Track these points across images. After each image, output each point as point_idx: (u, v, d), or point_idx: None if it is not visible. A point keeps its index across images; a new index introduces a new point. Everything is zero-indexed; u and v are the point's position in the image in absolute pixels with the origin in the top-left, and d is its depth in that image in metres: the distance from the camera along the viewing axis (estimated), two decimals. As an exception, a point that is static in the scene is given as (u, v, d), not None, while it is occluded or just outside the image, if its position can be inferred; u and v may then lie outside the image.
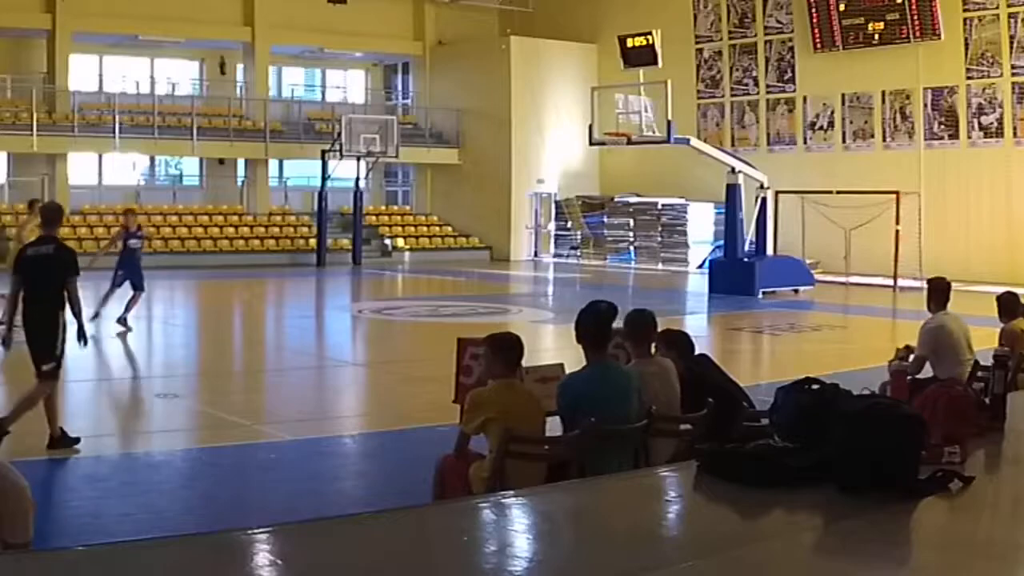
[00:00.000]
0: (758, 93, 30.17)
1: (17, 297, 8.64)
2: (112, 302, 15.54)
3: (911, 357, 8.35)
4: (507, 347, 5.73)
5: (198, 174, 33.90)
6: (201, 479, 7.97)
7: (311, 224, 31.47)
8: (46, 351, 8.54)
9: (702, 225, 29.72)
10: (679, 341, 6.62)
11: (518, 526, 3.66)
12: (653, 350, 6.31)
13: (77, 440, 8.53)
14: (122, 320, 15.36)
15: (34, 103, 27.91)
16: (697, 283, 25.15)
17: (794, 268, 23.17)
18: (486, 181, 32.27)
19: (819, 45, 28.15)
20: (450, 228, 34.12)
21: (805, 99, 29.17)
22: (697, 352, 6.89)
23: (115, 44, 31.74)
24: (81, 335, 8.93)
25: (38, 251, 8.69)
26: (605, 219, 32.04)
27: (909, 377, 7.99)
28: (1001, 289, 9.10)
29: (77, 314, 8.63)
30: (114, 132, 28.85)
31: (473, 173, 33.33)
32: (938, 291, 8.45)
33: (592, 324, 5.71)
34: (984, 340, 8.91)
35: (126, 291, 15.55)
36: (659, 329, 6.42)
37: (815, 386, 4.20)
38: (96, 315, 14.87)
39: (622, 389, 5.58)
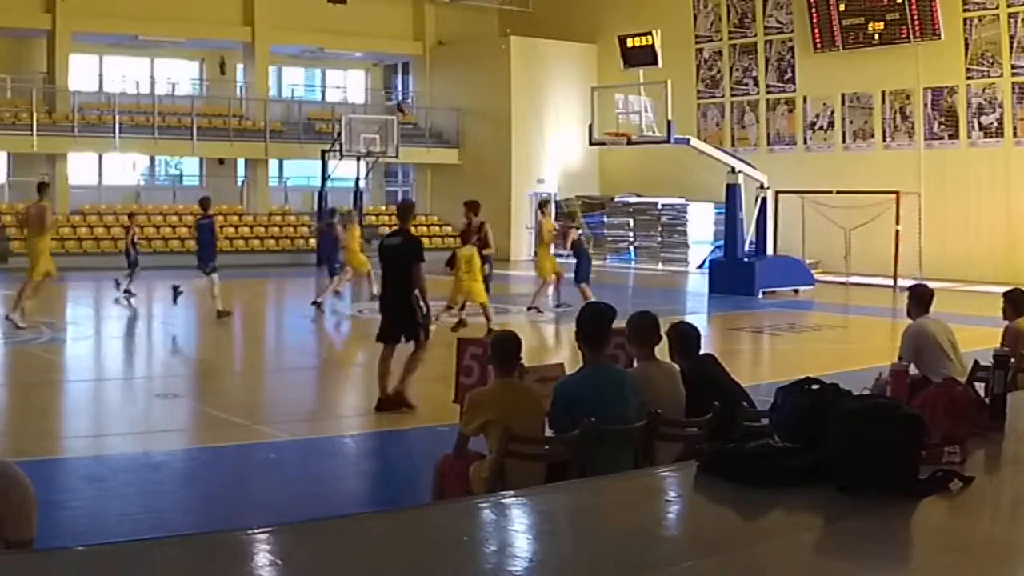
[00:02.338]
0: (758, 93, 30.17)
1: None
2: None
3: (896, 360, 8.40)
4: (507, 346, 5.74)
5: (198, 174, 33.90)
6: (201, 479, 7.97)
7: (311, 224, 31.45)
8: (412, 327, 9.87)
9: (702, 225, 29.72)
10: (686, 339, 6.58)
11: (518, 526, 3.66)
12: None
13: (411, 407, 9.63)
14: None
15: (34, 103, 27.92)
16: (697, 283, 25.15)
17: (794, 268, 23.17)
18: (486, 181, 32.25)
19: (819, 45, 28.15)
20: (450, 228, 34.09)
21: (805, 99, 29.17)
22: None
23: (115, 44, 31.75)
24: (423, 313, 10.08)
25: (391, 242, 10.22)
26: (605, 219, 32.04)
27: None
28: (1002, 288, 9.11)
29: (422, 294, 9.86)
30: (114, 132, 28.85)
31: (473, 173, 33.33)
32: (919, 298, 8.54)
33: (591, 325, 5.72)
34: (983, 340, 8.92)
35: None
36: (662, 329, 6.41)
37: (815, 386, 4.20)
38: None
39: (617, 390, 5.58)
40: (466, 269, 15.30)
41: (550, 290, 18.91)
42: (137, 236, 20.89)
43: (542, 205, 20.17)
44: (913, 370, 7.87)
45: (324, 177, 30.81)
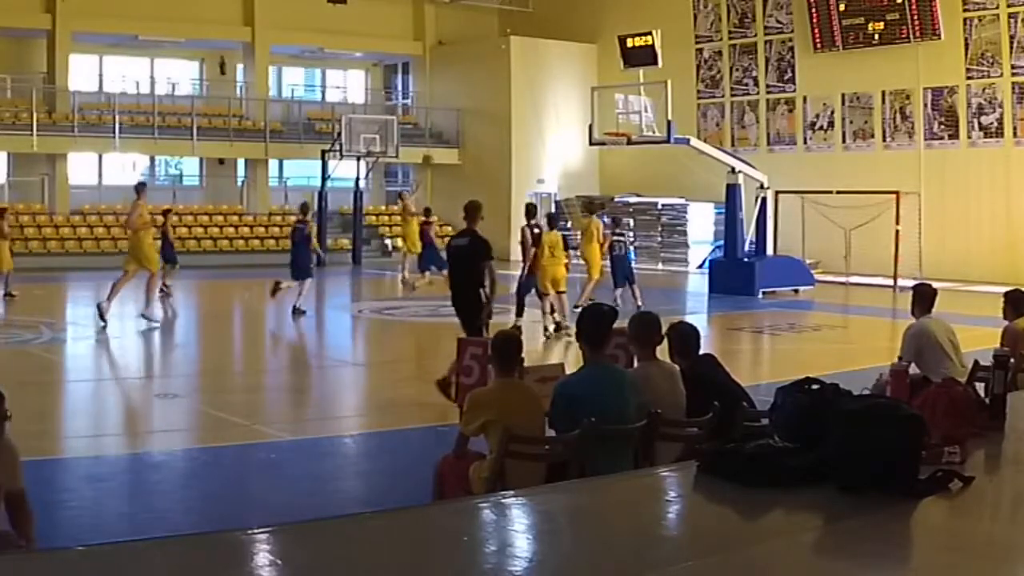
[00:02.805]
0: (758, 93, 30.17)
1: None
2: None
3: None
4: (507, 346, 5.74)
5: (198, 174, 33.90)
6: (201, 479, 7.97)
7: (311, 224, 31.40)
8: (476, 323, 10.12)
9: (702, 225, 29.71)
10: (686, 339, 6.58)
11: (518, 526, 3.66)
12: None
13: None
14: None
15: (34, 103, 27.91)
16: (697, 283, 25.14)
17: (794, 268, 23.16)
18: (486, 181, 32.24)
19: (819, 45, 28.15)
20: (450, 228, 34.05)
21: (805, 99, 29.17)
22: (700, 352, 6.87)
23: (115, 44, 31.75)
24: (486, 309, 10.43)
25: (459, 242, 10.79)
26: (605, 219, 31.97)
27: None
28: (1002, 289, 9.11)
29: (492, 290, 10.29)
30: (114, 132, 28.85)
31: (473, 173, 33.32)
32: (923, 297, 8.57)
33: (591, 325, 5.73)
34: (983, 340, 8.92)
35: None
36: (663, 329, 6.42)
37: (815, 386, 4.20)
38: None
39: (617, 390, 5.58)
40: (551, 254, 15.82)
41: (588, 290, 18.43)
42: (172, 234, 21.46)
43: (589, 208, 20.79)
44: (913, 370, 7.87)
45: (324, 177, 30.80)
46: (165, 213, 21.86)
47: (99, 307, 15.79)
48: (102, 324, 15.54)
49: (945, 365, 8.07)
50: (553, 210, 19.49)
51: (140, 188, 17.13)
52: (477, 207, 11.26)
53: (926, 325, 8.36)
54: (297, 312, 17.50)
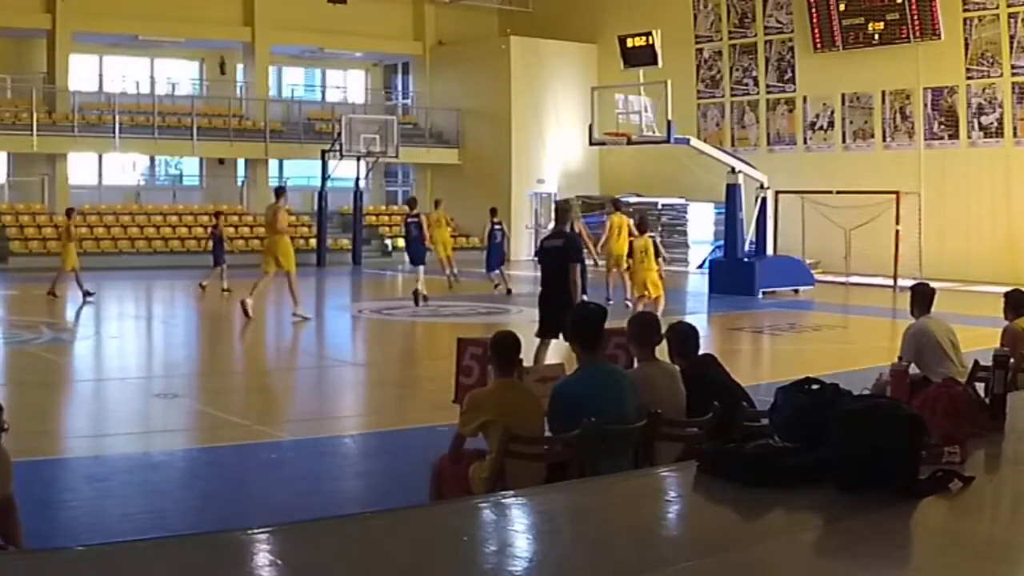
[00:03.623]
0: (758, 93, 30.17)
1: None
2: None
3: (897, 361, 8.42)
4: (507, 347, 5.73)
5: (198, 174, 33.90)
6: (201, 479, 7.96)
7: (311, 224, 31.46)
8: (559, 324, 9.89)
9: (702, 225, 29.71)
10: (686, 339, 6.58)
11: (518, 526, 3.66)
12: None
13: None
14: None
15: (34, 103, 27.92)
16: (697, 283, 25.13)
17: (794, 268, 23.16)
18: (486, 181, 32.25)
19: (819, 45, 28.15)
20: (450, 228, 34.10)
21: (805, 99, 29.17)
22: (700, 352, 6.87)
23: (115, 44, 31.76)
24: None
25: (552, 243, 11.14)
26: (605, 219, 31.98)
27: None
28: (1002, 289, 9.10)
29: (579, 289, 10.63)
30: (114, 132, 28.85)
31: (473, 173, 33.33)
32: (921, 297, 8.58)
33: (580, 326, 5.72)
34: (983, 340, 8.92)
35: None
36: (662, 330, 6.41)
37: (815, 386, 4.20)
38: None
39: (615, 389, 5.57)
40: (641, 259, 16.42)
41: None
42: (224, 235, 22.11)
43: (615, 204, 21.27)
44: (913, 370, 7.87)
45: (324, 177, 30.80)
46: (217, 215, 22.65)
47: (243, 304, 16.47)
48: (247, 318, 16.34)
49: (945, 365, 8.07)
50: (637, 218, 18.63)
51: (281, 191, 17.72)
52: (568, 209, 11.86)
53: (926, 325, 8.37)
54: (419, 296, 18.66)
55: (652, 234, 18.00)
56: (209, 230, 22.77)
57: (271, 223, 17.16)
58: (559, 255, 10.87)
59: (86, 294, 19.29)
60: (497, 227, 22.56)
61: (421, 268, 19.44)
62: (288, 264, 16.85)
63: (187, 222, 30.44)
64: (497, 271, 22.09)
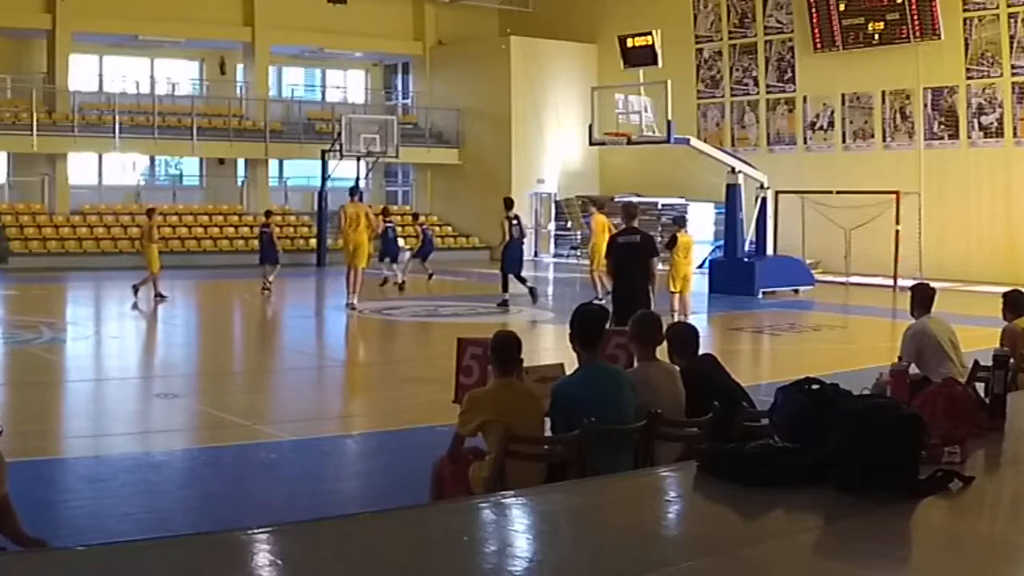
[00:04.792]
0: (758, 93, 30.17)
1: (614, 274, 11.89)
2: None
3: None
4: (505, 346, 5.73)
5: (198, 174, 33.90)
6: (201, 479, 7.96)
7: (311, 224, 31.46)
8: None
9: (702, 225, 29.69)
10: (686, 339, 6.58)
11: (518, 526, 3.66)
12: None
13: None
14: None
15: (34, 103, 27.92)
16: (697, 283, 25.08)
17: (794, 268, 23.16)
18: (486, 181, 32.26)
19: (819, 45, 28.15)
20: (450, 228, 34.13)
21: (805, 99, 29.17)
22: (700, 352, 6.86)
23: (115, 44, 31.76)
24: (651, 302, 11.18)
25: (630, 239, 11.56)
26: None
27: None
28: (1002, 289, 9.10)
29: (653, 285, 11.29)
30: (114, 132, 28.85)
31: (473, 173, 33.32)
32: (922, 297, 8.60)
33: (580, 326, 5.72)
34: (984, 340, 8.92)
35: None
36: (663, 329, 6.41)
37: (815, 386, 4.20)
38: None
39: (615, 389, 5.57)
40: (683, 255, 17.46)
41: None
42: (277, 235, 22.74)
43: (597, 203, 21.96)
44: (913, 369, 7.87)
45: (324, 177, 30.80)
46: (268, 214, 23.03)
47: (350, 306, 18.11)
48: (357, 312, 17.85)
49: (945, 365, 8.07)
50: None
51: (354, 191, 19.81)
52: (637, 208, 12.59)
53: (926, 325, 8.37)
54: (505, 304, 18.60)
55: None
56: (257, 230, 23.51)
57: (355, 221, 18.57)
58: (637, 251, 11.29)
59: (159, 296, 19.35)
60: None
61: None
62: (360, 260, 18.48)
63: (187, 222, 30.44)
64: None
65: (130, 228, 29.49)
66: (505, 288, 18.72)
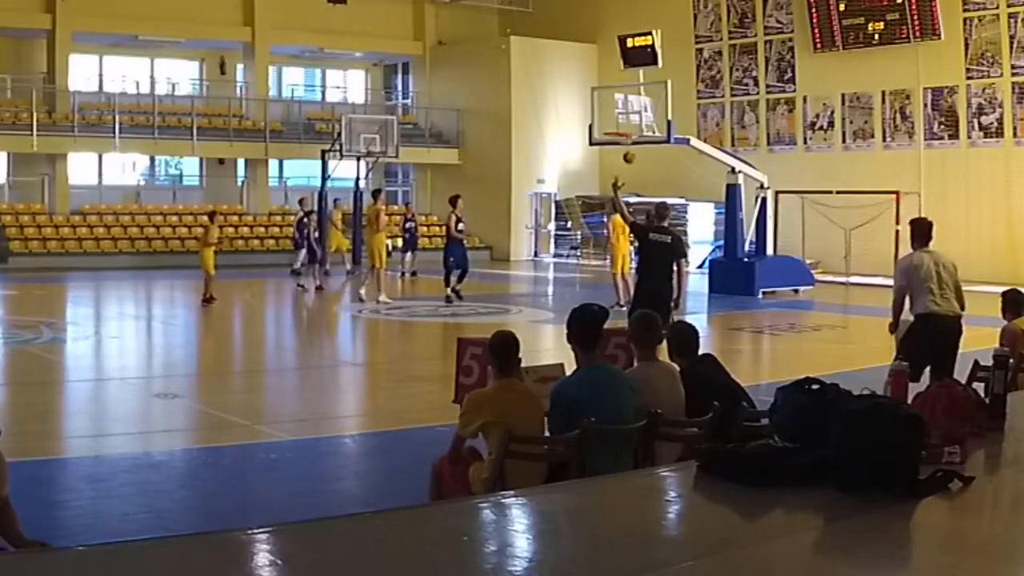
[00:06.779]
0: (758, 93, 30.17)
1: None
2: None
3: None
4: (505, 347, 5.72)
5: (198, 174, 33.90)
6: (201, 479, 7.96)
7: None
8: (667, 315, 10.36)
9: (702, 225, 29.71)
10: (685, 339, 6.58)
11: (518, 526, 3.66)
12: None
13: None
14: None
15: (34, 103, 27.92)
16: (697, 283, 25.12)
17: (794, 268, 23.16)
18: (486, 181, 32.26)
19: (819, 45, 28.16)
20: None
21: (805, 99, 29.18)
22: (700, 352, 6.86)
23: (115, 44, 31.76)
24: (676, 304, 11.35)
25: (661, 239, 11.35)
26: (605, 219, 31.97)
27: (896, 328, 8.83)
28: (1002, 288, 9.10)
29: (682, 285, 11.38)
30: (114, 132, 28.85)
31: (473, 173, 33.32)
32: (919, 229, 9.16)
33: (578, 326, 5.71)
34: (983, 340, 8.91)
35: None
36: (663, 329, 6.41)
37: (815, 386, 4.20)
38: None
39: (614, 390, 5.56)
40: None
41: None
42: (315, 232, 23.48)
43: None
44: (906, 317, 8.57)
45: (324, 177, 30.76)
46: (308, 215, 23.42)
47: (379, 301, 18.60)
48: (387, 303, 18.75)
49: (924, 295, 8.63)
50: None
51: (377, 194, 20.55)
52: (669, 208, 12.58)
53: (918, 258, 8.88)
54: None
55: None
56: (295, 230, 24.09)
57: (374, 222, 19.36)
58: (667, 251, 11.22)
59: (209, 299, 19.31)
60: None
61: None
62: (375, 259, 19.22)
63: (187, 222, 30.43)
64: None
65: (130, 228, 29.52)
66: (447, 284, 19.66)
